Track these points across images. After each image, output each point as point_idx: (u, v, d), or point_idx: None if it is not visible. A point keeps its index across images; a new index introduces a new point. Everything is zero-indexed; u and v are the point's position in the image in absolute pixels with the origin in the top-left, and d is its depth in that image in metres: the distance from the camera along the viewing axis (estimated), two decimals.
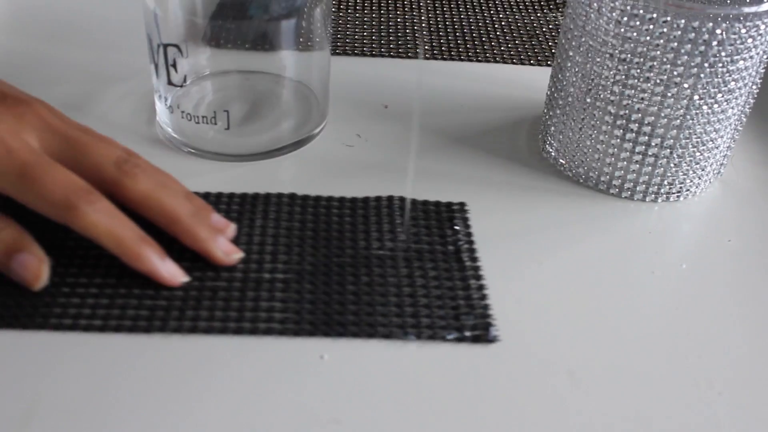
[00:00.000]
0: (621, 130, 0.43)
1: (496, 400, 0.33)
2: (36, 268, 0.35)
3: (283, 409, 0.32)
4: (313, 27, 0.45)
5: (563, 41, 0.45)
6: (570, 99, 0.45)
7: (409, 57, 0.58)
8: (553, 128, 0.47)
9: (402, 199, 0.42)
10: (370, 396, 0.33)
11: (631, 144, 0.43)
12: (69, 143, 0.36)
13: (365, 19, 0.62)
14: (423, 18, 0.62)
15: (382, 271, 0.38)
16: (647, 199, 0.45)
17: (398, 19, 0.63)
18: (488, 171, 0.46)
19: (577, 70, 0.44)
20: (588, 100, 0.44)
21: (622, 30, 0.40)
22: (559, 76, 0.46)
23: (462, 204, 0.43)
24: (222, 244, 0.37)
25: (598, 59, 0.42)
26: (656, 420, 0.32)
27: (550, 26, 0.64)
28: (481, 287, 0.38)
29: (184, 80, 0.43)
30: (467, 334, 0.35)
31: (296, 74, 0.47)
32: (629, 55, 0.41)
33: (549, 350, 0.35)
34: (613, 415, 0.32)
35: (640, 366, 0.35)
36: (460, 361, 0.34)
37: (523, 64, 0.58)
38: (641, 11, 0.40)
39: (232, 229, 0.39)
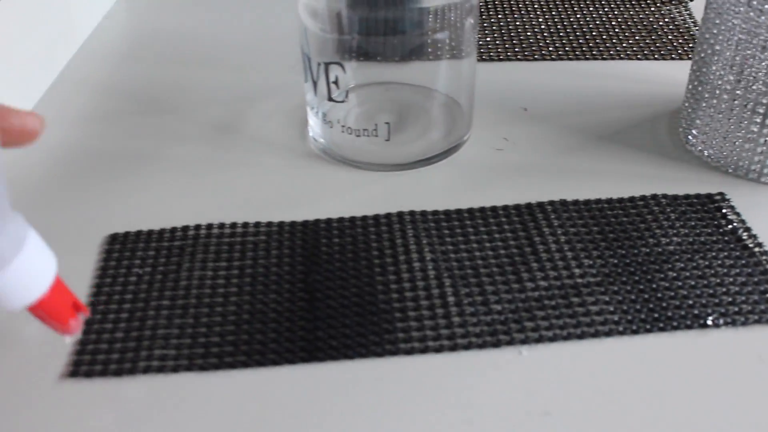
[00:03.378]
0: None
1: None
2: None
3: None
4: (462, 38, 0.46)
5: (707, 35, 0.46)
6: (717, 92, 0.46)
7: (536, 59, 0.59)
8: (698, 121, 0.48)
9: (666, 197, 0.44)
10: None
11: None
12: None
13: (492, 22, 0.64)
14: (543, 20, 0.63)
15: (671, 266, 0.40)
16: None
17: (523, 20, 0.64)
18: (639, 166, 0.47)
19: (725, 63, 0.45)
20: (738, 92, 0.44)
21: None
22: (704, 69, 0.47)
23: (722, 194, 0.45)
24: None
25: (749, 51, 0.43)
26: None
27: (666, 20, 0.64)
28: None
29: (346, 96, 0.45)
30: None
31: (445, 83, 0.49)
32: None
33: None
34: None
35: None
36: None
37: (647, 59, 0.59)
38: None
39: None
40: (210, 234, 0.42)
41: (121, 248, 0.42)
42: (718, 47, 0.45)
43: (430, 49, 0.46)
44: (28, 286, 0.31)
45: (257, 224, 0.43)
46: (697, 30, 0.63)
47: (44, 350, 0.36)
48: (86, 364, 0.35)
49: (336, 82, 0.45)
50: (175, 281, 0.39)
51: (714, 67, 0.45)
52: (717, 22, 0.45)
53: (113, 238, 0.42)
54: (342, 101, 0.45)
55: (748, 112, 0.44)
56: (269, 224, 0.43)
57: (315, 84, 0.46)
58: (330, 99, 0.45)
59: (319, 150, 0.49)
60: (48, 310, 0.33)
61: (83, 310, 0.35)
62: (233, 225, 0.43)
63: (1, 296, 0.31)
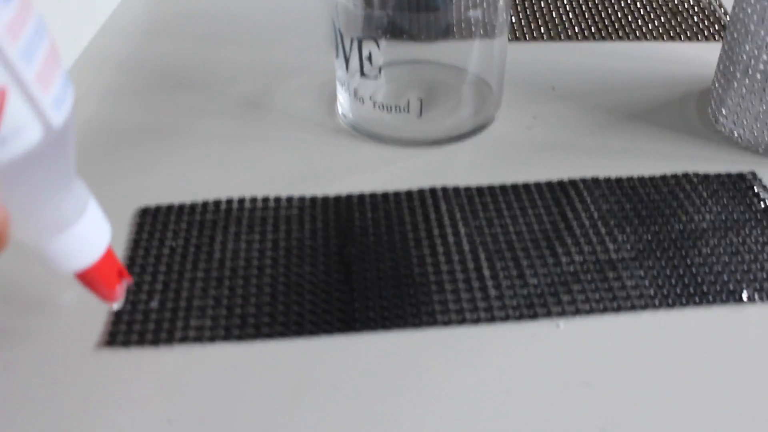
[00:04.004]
0: None
1: None
2: None
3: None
4: (495, 16, 0.46)
5: (740, 15, 0.46)
6: (750, 71, 0.46)
7: (563, 40, 0.59)
8: (729, 101, 0.48)
9: (697, 175, 0.44)
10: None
11: None
12: None
13: (520, 2, 0.63)
14: (570, 0, 0.63)
15: (705, 243, 0.40)
16: None
17: (549, 1, 0.64)
18: (669, 145, 0.47)
19: (759, 42, 0.45)
20: None
21: None
22: (736, 49, 0.46)
23: (753, 173, 0.45)
24: None
25: None
26: None
27: (691, 2, 0.64)
28: None
29: (379, 71, 0.45)
30: None
31: (477, 63, 0.49)
32: None
33: None
34: None
35: None
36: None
37: (672, 40, 0.59)
38: None
39: None
40: (242, 208, 0.42)
41: (153, 221, 0.42)
42: (752, 27, 0.45)
43: (463, 26, 0.46)
44: (84, 250, 0.31)
45: (289, 199, 0.43)
46: (722, 11, 0.62)
47: (81, 319, 0.36)
48: (123, 333, 0.36)
49: (369, 58, 0.44)
50: (208, 254, 0.40)
51: (747, 47, 0.45)
52: (752, 1, 0.44)
53: (144, 212, 0.42)
54: (374, 77, 0.45)
55: None
56: (301, 199, 0.43)
57: (347, 60, 0.45)
58: (362, 75, 0.45)
59: (348, 126, 0.49)
60: (98, 276, 0.33)
61: (127, 278, 0.35)
62: (265, 199, 0.43)
63: (58, 258, 0.31)
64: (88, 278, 0.33)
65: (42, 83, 0.25)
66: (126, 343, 0.35)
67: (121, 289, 0.35)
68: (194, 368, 0.34)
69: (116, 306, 0.36)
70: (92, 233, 0.31)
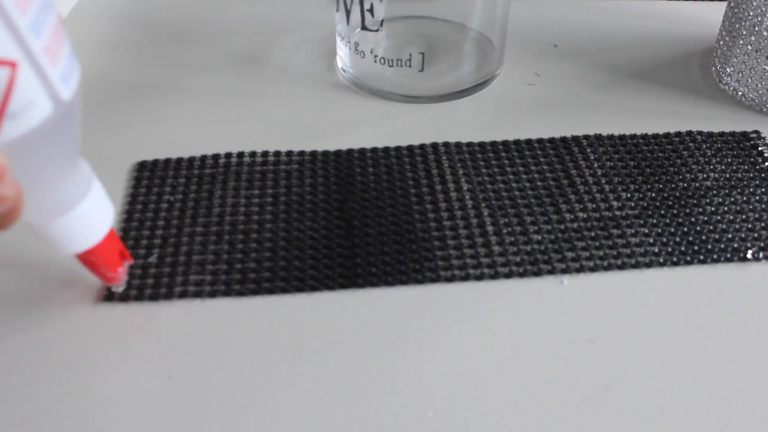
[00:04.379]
0: None
1: None
2: None
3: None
4: None
5: None
6: (756, 29, 0.45)
7: None
8: (734, 59, 0.47)
9: (701, 133, 0.44)
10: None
11: None
12: None
13: None
14: None
15: (709, 201, 0.39)
16: None
17: None
18: (672, 104, 0.47)
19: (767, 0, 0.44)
20: None
21: None
22: (742, 6, 0.46)
23: (757, 132, 0.44)
24: None
25: None
26: None
27: None
28: None
29: (381, 24, 0.44)
30: None
31: (479, 19, 0.48)
32: None
33: None
34: None
35: None
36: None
37: None
38: None
39: None
40: (241, 162, 0.42)
41: (150, 176, 0.41)
42: None
43: None
44: (87, 231, 0.31)
45: (289, 153, 0.42)
46: None
47: (80, 275, 0.35)
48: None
49: (371, 11, 0.44)
50: (207, 208, 0.39)
51: (755, 3, 0.45)
52: None
53: (142, 166, 0.42)
54: (376, 30, 0.45)
55: None
56: (301, 153, 0.42)
57: (348, 13, 0.45)
58: (363, 28, 0.44)
59: (348, 81, 0.48)
60: (101, 257, 0.33)
61: (128, 259, 0.35)
62: (265, 153, 0.42)
63: (61, 239, 0.31)
64: (90, 259, 0.32)
65: (50, 57, 0.25)
66: (125, 298, 0.35)
67: (123, 271, 0.34)
68: (194, 324, 0.33)
69: (115, 288, 0.35)
70: (95, 214, 0.31)
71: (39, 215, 0.29)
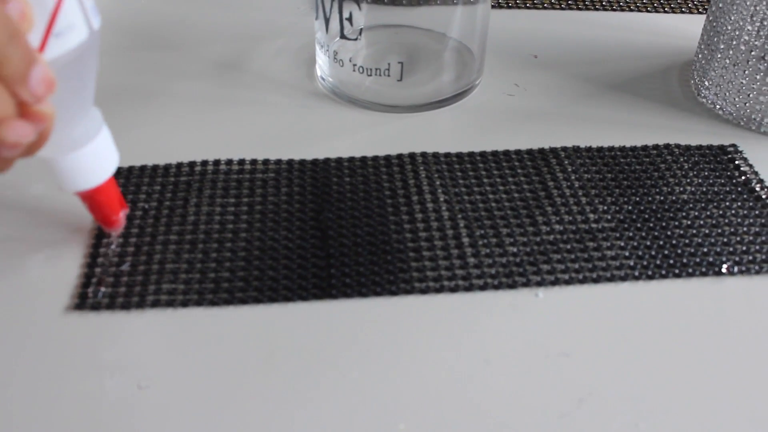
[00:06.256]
0: None
1: None
2: None
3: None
4: None
5: None
6: (734, 43, 0.45)
7: (546, 8, 0.58)
8: (712, 73, 0.47)
9: (678, 146, 0.44)
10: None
11: None
12: None
13: None
14: None
15: (685, 214, 0.39)
16: None
17: None
18: (650, 116, 0.47)
19: (744, 13, 0.44)
20: (756, 43, 0.44)
21: None
22: (721, 20, 0.46)
23: (734, 146, 0.44)
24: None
25: None
26: None
27: None
28: None
29: (360, 33, 0.44)
30: None
31: (458, 29, 0.48)
32: None
33: None
34: None
35: None
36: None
37: (656, 11, 0.59)
38: None
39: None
40: (217, 170, 0.41)
41: (125, 183, 0.41)
42: None
43: None
44: (94, 170, 0.34)
45: (266, 161, 0.42)
46: None
47: (50, 282, 0.35)
48: (92, 296, 0.35)
49: (350, 19, 0.43)
50: (182, 216, 0.39)
51: (732, 17, 0.45)
52: None
53: (117, 173, 0.41)
54: (355, 39, 0.44)
55: (765, 64, 0.44)
56: (278, 161, 0.42)
57: (327, 21, 0.44)
58: (342, 36, 0.44)
59: (327, 90, 0.48)
60: (103, 198, 0.35)
61: (126, 208, 0.38)
62: (241, 162, 0.42)
63: (70, 175, 0.33)
64: (92, 199, 0.35)
65: None
66: (96, 306, 0.34)
67: (121, 218, 0.37)
68: (166, 333, 0.33)
69: (115, 233, 0.37)
70: (103, 155, 0.34)
71: (56, 148, 0.32)
